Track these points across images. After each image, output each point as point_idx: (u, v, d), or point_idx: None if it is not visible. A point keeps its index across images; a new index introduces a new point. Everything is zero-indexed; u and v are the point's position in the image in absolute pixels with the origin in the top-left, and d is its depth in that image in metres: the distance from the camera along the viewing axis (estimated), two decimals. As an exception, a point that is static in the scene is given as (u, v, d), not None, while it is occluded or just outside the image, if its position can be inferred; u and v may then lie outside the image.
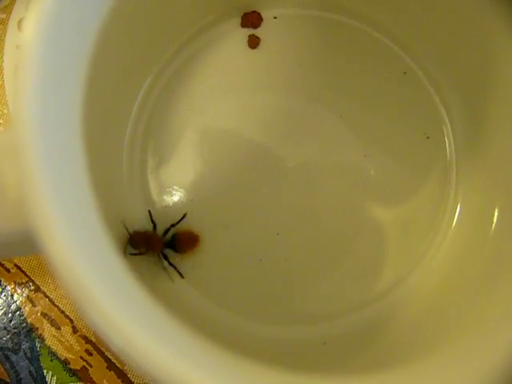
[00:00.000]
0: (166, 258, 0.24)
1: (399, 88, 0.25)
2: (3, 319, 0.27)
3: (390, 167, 0.25)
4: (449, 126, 0.25)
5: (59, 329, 0.27)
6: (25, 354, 0.26)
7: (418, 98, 0.25)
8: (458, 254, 0.24)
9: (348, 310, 0.24)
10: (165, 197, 0.25)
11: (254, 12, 0.25)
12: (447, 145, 0.25)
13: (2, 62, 0.28)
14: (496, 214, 0.23)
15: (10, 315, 0.27)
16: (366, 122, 0.25)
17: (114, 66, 0.21)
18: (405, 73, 0.25)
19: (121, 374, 0.26)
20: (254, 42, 0.25)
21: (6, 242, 0.16)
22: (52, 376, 0.26)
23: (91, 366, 0.26)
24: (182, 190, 0.25)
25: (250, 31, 0.25)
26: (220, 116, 0.25)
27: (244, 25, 0.25)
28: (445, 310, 0.23)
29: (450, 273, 0.24)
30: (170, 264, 0.24)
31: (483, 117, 0.24)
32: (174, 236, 0.24)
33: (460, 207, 0.25)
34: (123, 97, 0.24)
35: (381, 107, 0.25)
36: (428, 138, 0.25)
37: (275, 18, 0.25)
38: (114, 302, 0.13)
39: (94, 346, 0.27)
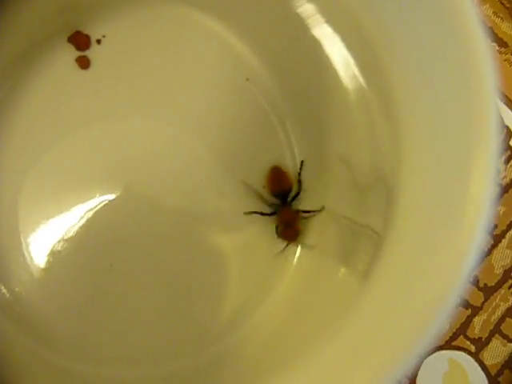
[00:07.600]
0: None
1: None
2: None
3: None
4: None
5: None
6: None
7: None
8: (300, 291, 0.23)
9: (191, 349, 0.23)
10: None
11: (79, 32, 0.23)
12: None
13: None
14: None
15: None
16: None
17: None
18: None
19: None
20: (83, 63, 0.24)
21: None
22: None
23: None
24: None
25: (79, 53, 0.24)
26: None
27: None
28: (287, 338, 0.22)
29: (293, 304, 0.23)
30: None
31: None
32: None
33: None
34: None
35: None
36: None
37: (104, 36, 0.24)
38: None
39: None
